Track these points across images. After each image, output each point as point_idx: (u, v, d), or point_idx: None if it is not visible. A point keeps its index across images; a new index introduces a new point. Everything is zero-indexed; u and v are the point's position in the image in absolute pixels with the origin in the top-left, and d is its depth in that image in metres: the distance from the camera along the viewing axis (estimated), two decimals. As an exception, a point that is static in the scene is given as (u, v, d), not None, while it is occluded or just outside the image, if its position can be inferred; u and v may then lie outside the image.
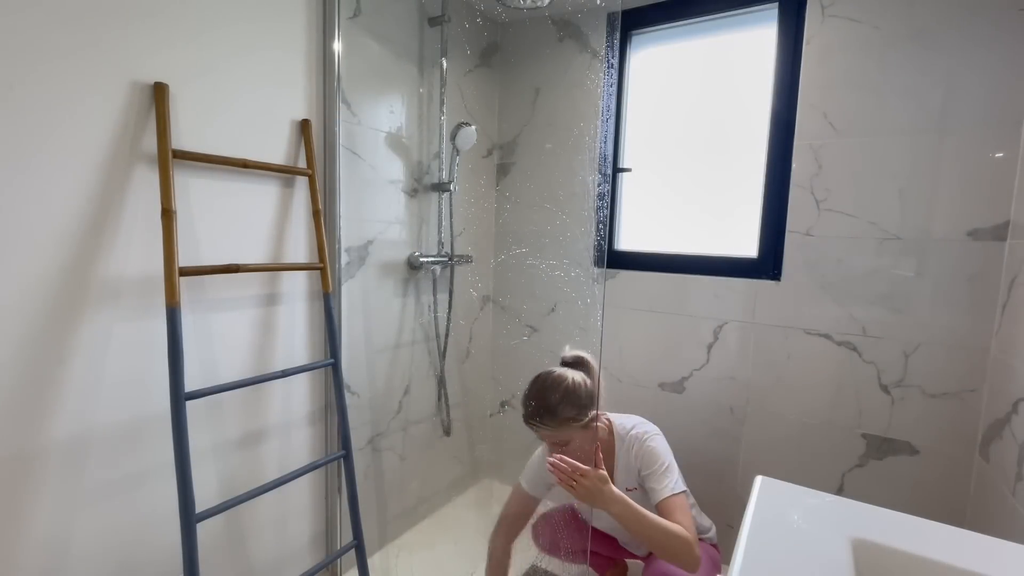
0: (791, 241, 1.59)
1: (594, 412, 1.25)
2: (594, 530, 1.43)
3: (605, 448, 1.32)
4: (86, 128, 0.96)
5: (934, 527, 0.72)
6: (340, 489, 1.49)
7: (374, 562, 1.69)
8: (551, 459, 1.17)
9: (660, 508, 1.17)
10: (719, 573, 1.32)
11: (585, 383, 1.27)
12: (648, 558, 1.35)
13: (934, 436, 1.44)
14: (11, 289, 0.89)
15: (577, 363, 1.33)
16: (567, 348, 1.39)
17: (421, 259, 1.76)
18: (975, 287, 1.37)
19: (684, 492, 1.21)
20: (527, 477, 1.40)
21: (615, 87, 1.88)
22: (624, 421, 1.35)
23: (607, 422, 1.35)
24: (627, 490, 1.27)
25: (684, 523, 1.13)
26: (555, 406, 1.21)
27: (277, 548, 1.41)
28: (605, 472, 1.14)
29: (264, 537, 1.37)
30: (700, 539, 1.28)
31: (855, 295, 1.51)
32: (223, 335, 1.22)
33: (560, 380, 1.26)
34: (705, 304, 1.74)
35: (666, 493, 1.18)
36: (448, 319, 1.90)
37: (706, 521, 1.42)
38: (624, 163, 1.93)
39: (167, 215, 1.01)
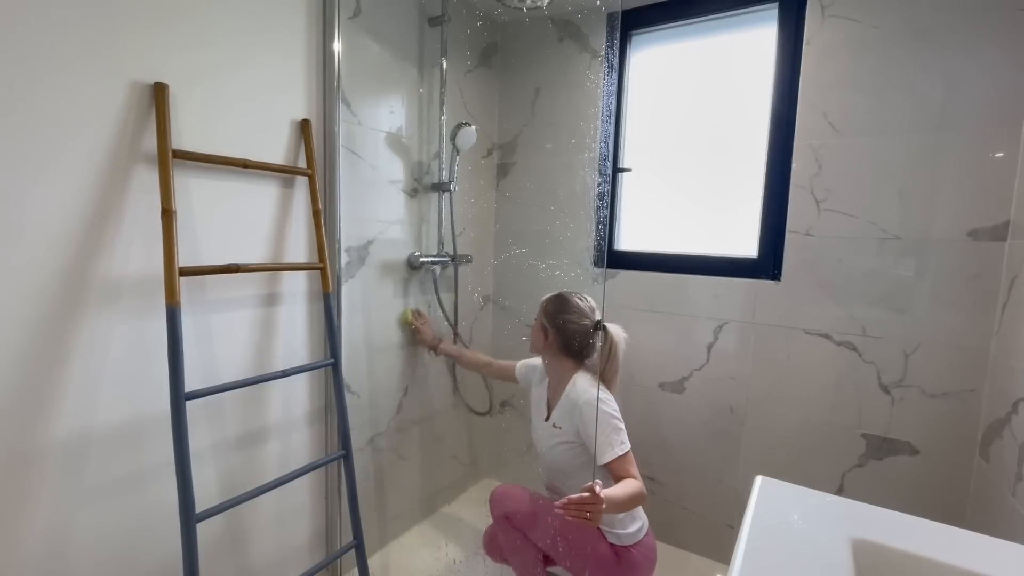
0: (791, 241, 1.59)
1: (551, 336, 1.43)
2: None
3: (559, 382, 1.44)
4: (86, 128, 0.96)
5: (934, 527, 0.72)
6: (340, 489, 1.49)
7: (374, 562, 1.69)
8: (559, 506, 1.16)
9: (611, 467, 1.29)
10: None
11: (571, 306, 1.43)
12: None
13: (934, 436, 1.44)
14: (11, 289, 0.89)
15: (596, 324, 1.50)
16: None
17: (421, 259, 1.76)
18: (975, 287, 1.37)
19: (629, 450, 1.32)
20: (520, 370, 1.64)
21: (615, 87, 1.88)
22: (586, 384, 1.39)
23: (572, 367, 1.44)
24: (554, 427, 1.41)
25: (633, 474, 1.29)
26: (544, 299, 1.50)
27: (277, 548, 1.41)
28: (597, 491, 1.14)
29: (264, 537, 1.37)
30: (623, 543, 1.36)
31: (855, 295, 1.51)
32: (223, 335, 1.22)
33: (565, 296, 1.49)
34: (705, 304, 1.74)
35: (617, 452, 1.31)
36: (448, 319, 1.89)
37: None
38: (624, 163, 1.93)
39: (167, 215, 1.01)
